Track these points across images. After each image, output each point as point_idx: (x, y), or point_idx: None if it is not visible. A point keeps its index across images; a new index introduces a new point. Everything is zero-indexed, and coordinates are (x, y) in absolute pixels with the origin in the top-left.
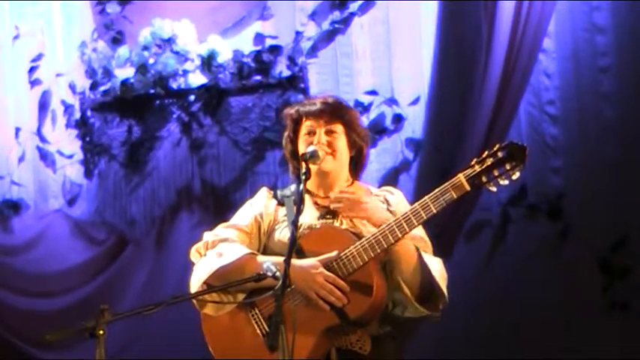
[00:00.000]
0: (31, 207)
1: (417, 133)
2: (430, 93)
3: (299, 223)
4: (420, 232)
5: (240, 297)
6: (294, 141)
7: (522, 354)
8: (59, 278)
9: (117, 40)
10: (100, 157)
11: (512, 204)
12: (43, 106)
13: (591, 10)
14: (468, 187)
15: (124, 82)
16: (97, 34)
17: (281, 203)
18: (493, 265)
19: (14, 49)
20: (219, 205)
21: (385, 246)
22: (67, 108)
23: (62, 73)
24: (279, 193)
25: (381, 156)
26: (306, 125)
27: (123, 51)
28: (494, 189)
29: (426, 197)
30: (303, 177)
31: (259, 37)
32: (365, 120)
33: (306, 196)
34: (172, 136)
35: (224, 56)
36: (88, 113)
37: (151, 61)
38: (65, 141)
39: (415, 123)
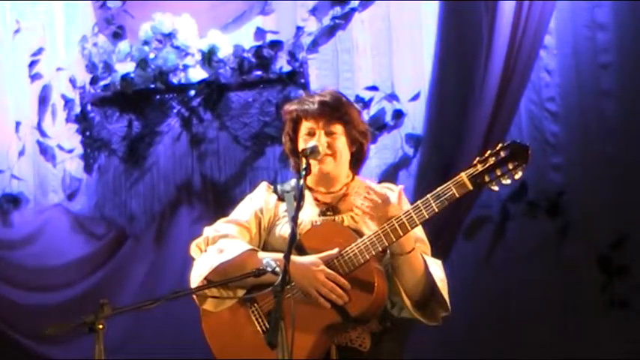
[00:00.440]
0: (30, 201)
1: (418, 129)
2: (431, 89)
3: (299, 220)
4: (419, 232)
5: (241, 293)
6: (293, 139)
7: (521, 350)
8: (58, 272)
9: (117, 35)
10: (100, 151)
11: (512, 201)
12: (44, 100)
13: (592, 7)
14: (470, 186)
15: (125, 77)
16: (97, 28)
17: (281, 198)
18: (492, 262)
19: (15, 44)
20: (219, 201)
21: (386, 244)
22: (67, 102)
23: (62, 68)
24: (279, 188)
25: (381, 152)
26: (306, 126)
27: (123, 45)
28: (496, 188)
29: (428, 195)
30: (303, 172)
31: (260, 32)
32: (365, 116)
33: (306, 192)
34: (172, 131)
35: (224, 51)
36: (88, 108)
37: (152, 55)
38: (65, 135)
39: (415, 119)
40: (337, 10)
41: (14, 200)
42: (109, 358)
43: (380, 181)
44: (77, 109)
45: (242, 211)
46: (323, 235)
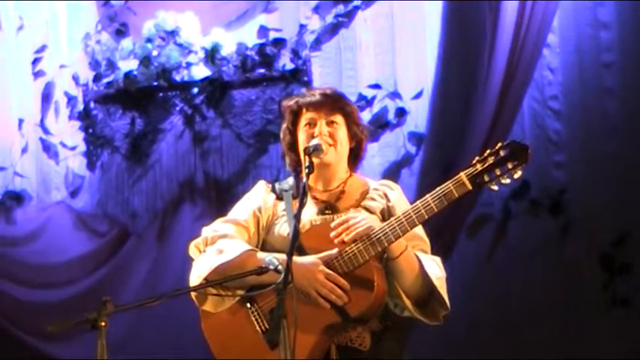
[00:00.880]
0: (33, 198)
1: (420, 127)
2: (434, 88)
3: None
4: (419, 231)
5: (240, 293)
6: (293, 132)
7: (522, 349)
8: (61, 270)
9: (120, 32)
10: (103, 149)
11: (514, 199)
12: (47, 97)
13: (595, 5)
14: (469, 186)
15: (128, 74)
16: (100, 26)
17: (280, 197)
18: (494, 260)
19: (18, 41)
20: (222, 198)
21: (386, 244)
22: (71, 100)
23: (66, 65)
24: (277, 187)
25: (384, 150)
26: (307, 117)
27: (126, 43)
28: (495, 188)
29: (428, 195)
30: (307, 171)
31: (263, 30)
32: (368, 113)
33: None
34: (175, 128)
35: (228, 49)
36: (91, 105)
37: (155, 53)
38: (68, 133)
39: (418, 117)
40: (340, 8)
41: (17, 197)
42: (111, 355)
43: (382, 179)
44: (80, 107)
45: (240, 211)
46: (322, 235)
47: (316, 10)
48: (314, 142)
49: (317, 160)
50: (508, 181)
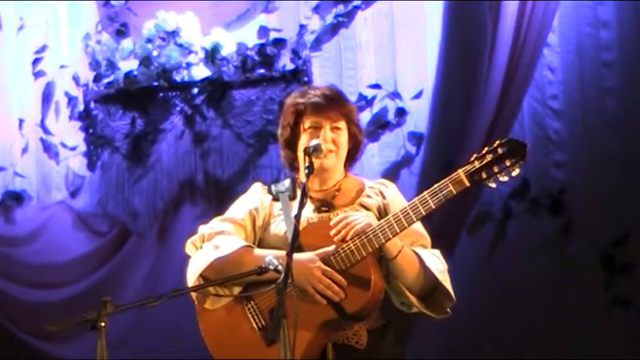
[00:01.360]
0: (33, 198)
1: (420, 127)
2: (434, 87)
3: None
4: (418, 227)
5: (237, 290)
6: (294, 130)
7: (523, 348)
8: (61, 270)
9: (121, 33)
10: (103, 149)
11: (514, 198)
12: (47, 97)
13: (595, 5)
14: (467, 183)
15: (128, 75)
16: (101, 26)
17: (276, 198)
18: (494, 260)
19: (18, 41)
20: (222, 198)
21: (383, 241)
22: (71, 100)
23: (66, 65)
24: (273, 188)
25: (384, 150)
26: (311, 120)
27: (127, 43)
28: (493, 185)
29: (425, 192)
30: (307, 171)
31: (263, 30)
32: (368, 113)
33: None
34: (175, 128)
35: (228, 49)
36: (92, 105)
37: (155, 53)
38: (68, 133)
39: (418, 117)
40: (340, 9)
41: (17, 197)
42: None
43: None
44: (80, 107)
45: (237, 210)
46: (319, 232)
47: (316, 10)
48: (314, 142)
49: (317, 161)
50: (506, 178)
